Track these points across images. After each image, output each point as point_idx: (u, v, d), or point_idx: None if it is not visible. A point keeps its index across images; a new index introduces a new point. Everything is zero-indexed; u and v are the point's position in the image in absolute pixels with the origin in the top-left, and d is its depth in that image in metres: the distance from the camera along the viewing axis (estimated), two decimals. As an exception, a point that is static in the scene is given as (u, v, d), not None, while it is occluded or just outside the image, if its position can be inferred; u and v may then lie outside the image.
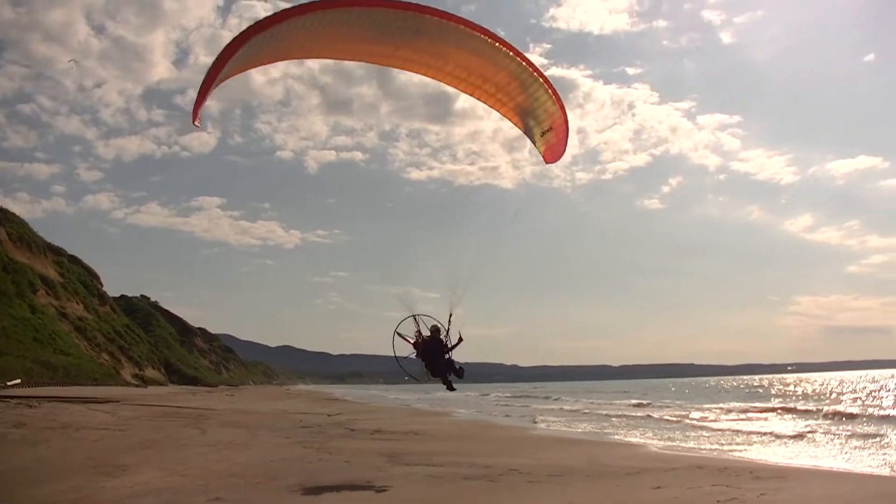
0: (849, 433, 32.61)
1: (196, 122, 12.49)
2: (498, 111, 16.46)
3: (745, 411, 52.27)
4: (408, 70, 15.47)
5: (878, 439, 29.19)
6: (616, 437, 33.85)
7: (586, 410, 59.09)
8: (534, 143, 16.80)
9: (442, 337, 16.76)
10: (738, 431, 35.14)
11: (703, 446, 28.81)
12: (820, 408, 52.51)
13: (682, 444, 29.52)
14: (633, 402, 73.15)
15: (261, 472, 17.60)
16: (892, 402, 60.17)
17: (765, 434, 33.61)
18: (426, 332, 16.95)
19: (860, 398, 69.89)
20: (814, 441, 30.22)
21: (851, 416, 43.15)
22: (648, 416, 49.81)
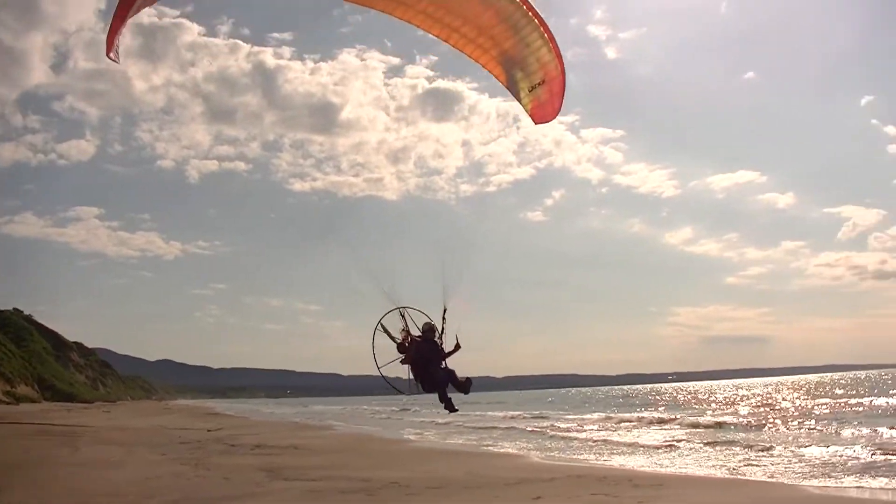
0: (721, 441, 33.23)
1: (111, 55, 11.08)
2: (477, 61, 13.78)
3: (619, 421, 53.08)
4: (369, 6, 12.91)
5: (746, 447, 29.81)
6: (494, 448, 34.07)
7: (458, 422, 59.28)
8: (518, 99, 14.08)
9: (437, 339, 13.61)
10: (613, 442, 35.30)
11: (581, 456, 29.08)
12: (693, 416, 53.69)
13: (561, 455, 29.78)
14: (511, 413, 73.61)
15: (136, 491, 16.94)
16: (760, 410, 61.99)
17: (640, 443, 34.09)
18: (416, 332, 13.68)
19: (731, 406, 71.77)
20: (687, 449, 30.78)
21: (720, 425, 43.94)
22: (513, 427, 50.13)
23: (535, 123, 14.31)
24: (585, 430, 44.39)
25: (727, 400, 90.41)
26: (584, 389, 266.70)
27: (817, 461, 24.13)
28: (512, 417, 65.07)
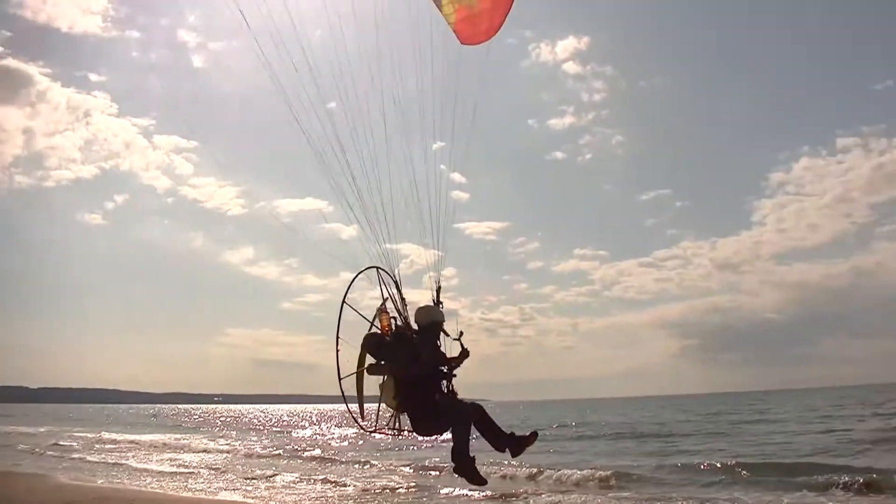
0: (231, 468, 32.90)
1: None
2: None
3: (133, 442, 50.85)
4: None
5: (262, 476, 29.35)
6: (16, 467, 31.07)
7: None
8: (439, 7, 9.64)
9: (439, 339, 8.09)
10: (132, 467, 33.04)
11: (102, 478, 27.44)
12: (209, 441, 52.92)
13: (86, 476, 28.00)
14: (37, 429, 67.75)
15: None
16: (280, 436, 63.60)
17: (156, 469, 32.26)
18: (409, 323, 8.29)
19: (254, 433, 71.22)
20: (203, 474, 30.16)
21: (234, 452, 43.25)
22: (33, 445, 45.78)
23: (462, 42, 9.84)
24: (98, 452, 41.38)
25: (254, 425, 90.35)
26: (121, 406, 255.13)
27: (310, 490, 24.82)
28: (33, 434, 59.07)
